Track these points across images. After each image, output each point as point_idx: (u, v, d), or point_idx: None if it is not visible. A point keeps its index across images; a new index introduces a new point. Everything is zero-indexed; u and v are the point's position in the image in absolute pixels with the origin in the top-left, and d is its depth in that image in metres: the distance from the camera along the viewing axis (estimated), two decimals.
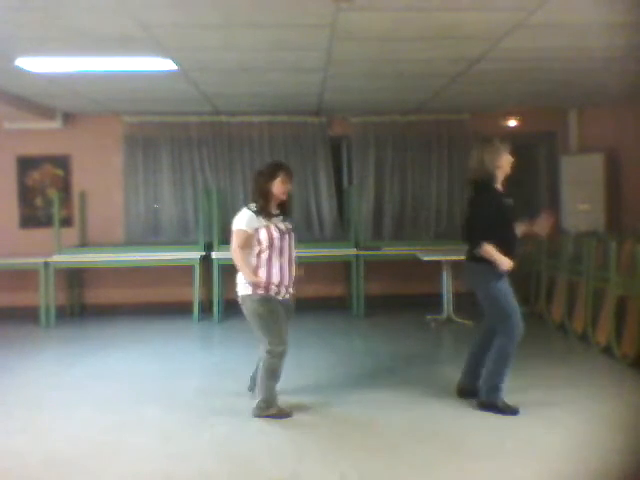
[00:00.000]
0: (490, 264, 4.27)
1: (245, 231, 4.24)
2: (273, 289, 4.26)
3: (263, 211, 4.27)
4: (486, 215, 4.32)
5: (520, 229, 4.47)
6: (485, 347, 4.50)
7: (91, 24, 4.48)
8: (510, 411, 4.26)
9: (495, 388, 4.31)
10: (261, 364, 4.31)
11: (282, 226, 4.34)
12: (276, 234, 4.26)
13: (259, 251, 4.26)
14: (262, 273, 4.24)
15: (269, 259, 4.25)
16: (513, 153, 4.55)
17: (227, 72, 6.07)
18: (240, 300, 4.33)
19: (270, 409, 4.29)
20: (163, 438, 4.01)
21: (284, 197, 4.34)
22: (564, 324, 6.60)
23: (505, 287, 4.38)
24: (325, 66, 5.81)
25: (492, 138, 4.53)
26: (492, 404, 4.30)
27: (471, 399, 4.47)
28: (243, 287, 4.30)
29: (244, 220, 4.27)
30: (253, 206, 4.30)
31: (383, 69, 6.03)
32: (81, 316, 8.27)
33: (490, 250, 4.24)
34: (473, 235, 4.36)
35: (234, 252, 4.27)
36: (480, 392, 4.39)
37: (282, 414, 4.29)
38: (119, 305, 8.38)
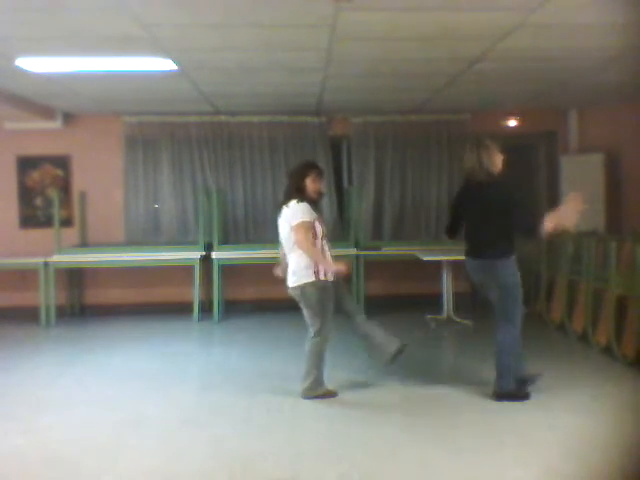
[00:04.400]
0: (512, 255, 4.45)
1: (309, 222, 4.46)
2: (330, 275, 4.54)
3: (312, 203, 4.55)
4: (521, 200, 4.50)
5: (547, 224, 4.30)
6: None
7: (91, 24, 4.48)
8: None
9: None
10: (311, 348, 4.61)
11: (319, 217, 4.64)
12: (323, 225, 4.62)
13: (315, 241, 4.50)
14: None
15: (322, 247, 4.56)
16: (509, 153, 4.67)
17: (227, 72, 6.07)
18: (299, 290, 4.52)
19: (319, 389, 4.60)
20: (163, 438, 4.01)
21: (315, 196, 4.60)
22: (564, 324, 6.60)
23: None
24: (325, 66, 5.82)
25: (483, 138, 4.59)
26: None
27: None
28: (304, 275, 4.49)
29: (304, 212, 4.47)
30: (301, 200, 4.51)
31: (383, 69, 6.03)
32: (81, 316, 8.27)
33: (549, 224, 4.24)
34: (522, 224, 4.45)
35: (305, 243, 4.42)
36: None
37: (330, 394, 4.62)
38: (119, 305, 8.38)
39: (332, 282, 4.59)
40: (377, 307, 7.91)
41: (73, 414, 4.48)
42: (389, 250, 7.99)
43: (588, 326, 6.06)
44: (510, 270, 4.49)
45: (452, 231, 4.82)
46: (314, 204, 4.62)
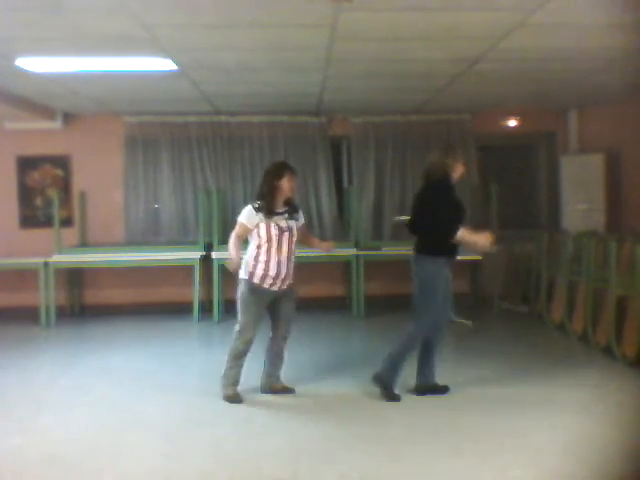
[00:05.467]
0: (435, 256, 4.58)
1: (244, 225, 4.61)
2: (268, 281, 4.55)
3: (265, 209, 4.57)
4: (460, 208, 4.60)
5: (463, 237, 4.48)
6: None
7: (91, 24, 4.48)
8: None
9: None
10: (231, 345, 4.66)
11: (283, 224, 4.61)
12: (275, 231, 4.55)
13: (258, 244, 4.57)
14: (260, 264, 4.54)
15: (267, 252, 4.55)
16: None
17: (227, 72, 6.06)
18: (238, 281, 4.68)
19: (227, 388, 4.62)
20: (163, 438, 4.01)
21: (290, 194, 4.68)
22: (564, 324, 6.60)
23: (442, 282, 4.65)
24: (325, 66, 5.81)
25: (455, 147, 4.81)
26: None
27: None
28: (243, 271, 4.61)
29: (245, 215, 4.63)
30: (257, 203, 4.60)
31: (383, 69, 6.03)
32: (81, 316, 8.27)
33: (468, 234, 4.47)
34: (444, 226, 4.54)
35: (231, 237, 4.66)
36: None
37: (234, 399, 4.58)
38: (119, 305, 8.37)
39: (272, 290, 4.59)
40: (377, 307, 7.92)
41: (73, 414, 4.48)
42: (389, 250, 7.99)
43: (588, 326, 6.06)
44: (428, 269, 4.61)
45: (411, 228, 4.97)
46: (288, 203, 4.66)
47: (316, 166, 8.54)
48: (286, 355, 4.84)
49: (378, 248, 8.02)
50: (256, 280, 4.55)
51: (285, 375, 4.87)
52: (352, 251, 7.80)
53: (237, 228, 4.65)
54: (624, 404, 4.50)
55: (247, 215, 4.60)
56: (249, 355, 4.69)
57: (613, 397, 4.64)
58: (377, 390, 4.63)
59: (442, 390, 4.71)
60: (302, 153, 8.51)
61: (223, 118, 8.41)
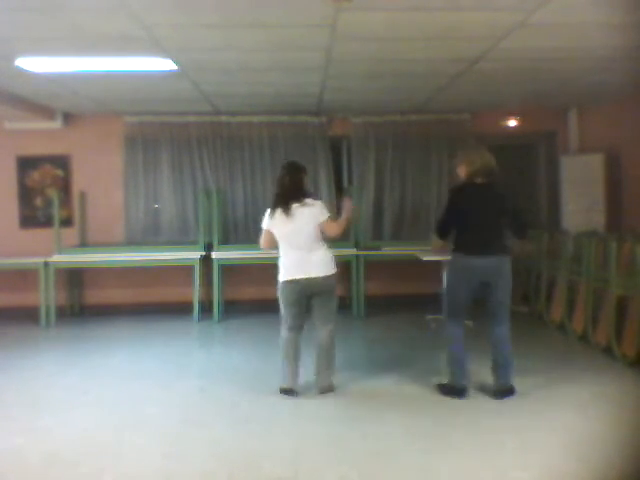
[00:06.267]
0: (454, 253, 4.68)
1: (267, 230, 4.74)
2: (289, 275, 4.66)
3: (283, 204, 4.65)
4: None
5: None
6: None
7: (91, 24, 4.48)
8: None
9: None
10: (330, 340, 4.85)
11: (299, 217, 4.64)
12: (284, 230, 4.64)
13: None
14: (281, 262, 4.72)
15: (284, 250, 4.72)
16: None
17: (227, 72, 6.06)
18: (333, 279, 4.85)
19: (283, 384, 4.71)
20: (163, 438, 4.01)
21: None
22: (564, 324, 6.60)
23: None
24: (325, 66, 5.82)
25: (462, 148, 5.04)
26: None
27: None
28: (332, 266, 4.86)
29: (264, 221, 4.78)
30: (271, 205, 4.75)
31: (383, 69, 6.03)
32: (81, 316, 8.27)
33: None
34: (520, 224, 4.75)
35: (341, 230, 4.83)
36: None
37: (287, 392, 4.66)
38: (119, 305, 8.38)
39: (305, 281, 4.67)
40: (377, 307, 7.92)
41: (73, 414, 4.48)
42: (389, 250, 7.99)
43: (588, 326, 6.06)
44: (448, 268, 4.78)
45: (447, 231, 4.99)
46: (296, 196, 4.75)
47: (316, 166, 8.53)
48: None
49: (378, 248, 8.02)
50: (282, 277, 4.74)
51: (281, 374, 4.86)
52: (352, 251, 7.80)
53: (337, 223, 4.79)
54: (624, 404, 4.50)
55: (265, 220, 4.76)
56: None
57: (613, 397, 4.64)
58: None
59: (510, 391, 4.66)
60: (302, 153, 8.50)
61: (223, 118, 8.41)
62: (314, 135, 8.54)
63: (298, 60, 5.63)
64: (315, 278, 4.65)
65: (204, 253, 7.69)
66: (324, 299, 4.75)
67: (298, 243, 4.65)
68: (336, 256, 8.30)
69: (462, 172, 4.69)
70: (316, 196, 4.75)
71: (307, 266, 4.65)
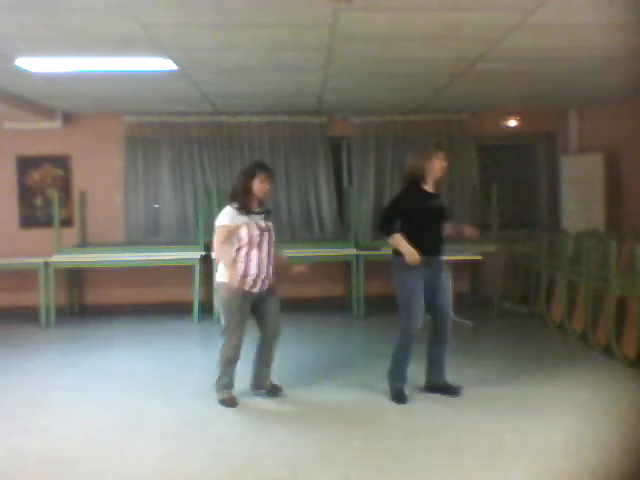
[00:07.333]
0: (400, 256, 4.53)
1: (228, 227, 4.44)
2: (249, 282, 4.45)
3: (244, 208, 4.48)
4: (396, 206, 4.64)
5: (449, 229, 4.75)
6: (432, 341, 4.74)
7: (91, 24, 4.47)
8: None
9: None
10: (220, 348, 4.58)
11: (262, 224, 4.54)
12: (256, 231, 4.47)
13: (239, 247, 4.46)
14: (240, 267, 4.43)
15: (247, 254, 4.45)
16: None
17: (227, 72, 6.06)
18: (215, 286, 4.55)
19: (221, 392, 4.57)
20: (163, 438, 4.01)
21: (262, 196, 4.57)
22: (564, 324, 6.60)
23: (412, 282, 4.52)
24: (325, 66, 5.81)
25: (428, 143, 4.84)
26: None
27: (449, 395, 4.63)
28: (221, 275, 4.52)
29: (227, 217, 4.47)
30: (235, 204, 4.49)
31: (383, 69, 6.03)
32: (81, 316, 8.27)
33: (399, 240, 4.51)
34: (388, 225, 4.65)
35: (218, 247, 4.46)
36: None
37: (229, 403, 4.52)
38: (119, 305, 8.38)
39: (258, 292, 4.51)
40: (377, 307, 7.92)
41: (73, 414, 4.49)
42: (389, 250, 7.97)
43: (588, 326, 6.06)
44: (396, 271, 4.60)
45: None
46: (261, 207, 4.61)
47: (316, 166, 8.54)
48: (276, 355, 4.78)
49: (378, 248, 8.01)
50: (236, 283, 4.41)
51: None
52: (352, 251, 7.80)
53: (219, 235, 4.43)
54: (624, 404, 4.50)
55: (230, 217, 4.45)
56: (243, 358, 4.65)
57: (613, 397, 4.64)
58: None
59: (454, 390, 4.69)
60: (302, 153, 8.51)
61: (223, 118, 8.41)
62: (314, 135, 8.54)
63: (298, 60, 5.62)
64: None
65: (204, 253, 7.68)
66: None
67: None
68: (336, 256, 8.38)
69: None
70: (232, 203, 4.49)
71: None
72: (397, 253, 4.56)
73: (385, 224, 4.62)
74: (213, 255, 4.62)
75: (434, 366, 4.72)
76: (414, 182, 4.63)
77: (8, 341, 6.89)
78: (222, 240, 4.44)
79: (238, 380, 4.73)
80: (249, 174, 4.54)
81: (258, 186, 4.51)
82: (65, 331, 7.41)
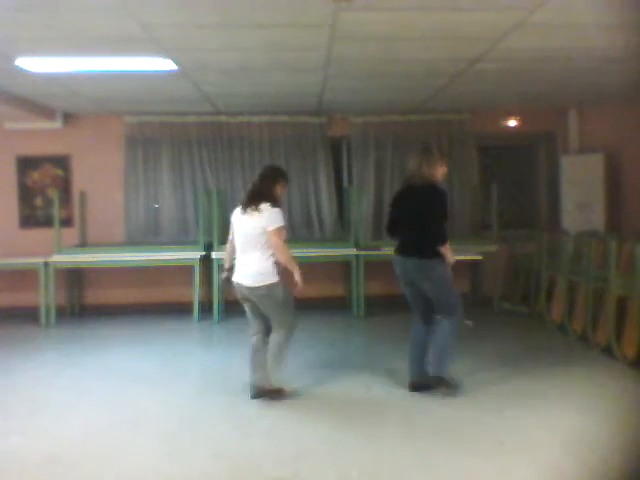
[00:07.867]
0: (441, 256, 4.63)
1: (285, 228, 4.63)
2: (234, 276, 4.68)
3: (240, 204, 4.67)
4: (442, 215, 4.69)
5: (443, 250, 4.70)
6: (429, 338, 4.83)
7: (91, 24, 4.48)
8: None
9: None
10: (277, 346, 4.60)
11: None
12: (237, 230, 4.68)
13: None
14: (276, 266, 4.56)
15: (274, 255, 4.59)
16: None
17: (227, 72, 6.07)
18: (264, 290, 4.51)
19: (281, 385, 4.66)
20: (163, 438, 4.01)
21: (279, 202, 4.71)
22: (564, 324, 6.60)
23: (450, 275, 4.74)
24: (325, 66, 5.82)
25: (430, 151, 4.87)
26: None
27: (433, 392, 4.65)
28: (271, 275, 4.52)
29: (282, 217, 4.58)
30: (277, 206, 4.59)
31: (383, 69, 6.03)
32: (81, 316, 8.27)
33: (448, 246, 4.65)
34: (431, 232, 4.66)
35: (284, 248, 4.53)
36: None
37: (289, 394, 4.65)
38: (119, 305, 8.38)
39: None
40: (377, 307, 7.92)
41: (73, 414, 4.49)
42: (389, 250, 7.96)
43: (588, 326, 6.06)
44: (437, 270, 4.67)
45: (390, 230, 5.04)
46: None
47: (316, 166, 8.53)
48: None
49: (378, 248, 8.01)
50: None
51: (284, 375, 4.87)
52: (352, 251, 7.80)
53: (282, 235, 4.55)
54: (624, 404, 4.50)
55: (282, 216, 4.57)
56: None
57: (613, 397, 4.64)
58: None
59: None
60: (302, 153, 8.51)
61: (223, 118, 8.41)
62: (314, 135, 8.54)
63: (298, 60, 5.63)
64: (244, 286, 4.59)
65: (204, 253, 7.68)
66: (264, 307, 4.61)
67: (242, 246, 4.62)
68: (336, 256, 8.36)
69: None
70: (278, 205, 4.57)
71: (241, 271, 4.62)
72: (437, 254, 4.62)
73: (445, 234, 4.66)
74: (255, 255, 4.55)
75: (423, 362, 4.77)
76: (434, 184, 4.67)
77: (8, 341, 6.89)
78: (284, 240, 4.59)
79: (237, 380, 4.74)
80: (275, 179, 4.66)
81: (279, 191, 4.68)
82: (65, 331, 7.41)
